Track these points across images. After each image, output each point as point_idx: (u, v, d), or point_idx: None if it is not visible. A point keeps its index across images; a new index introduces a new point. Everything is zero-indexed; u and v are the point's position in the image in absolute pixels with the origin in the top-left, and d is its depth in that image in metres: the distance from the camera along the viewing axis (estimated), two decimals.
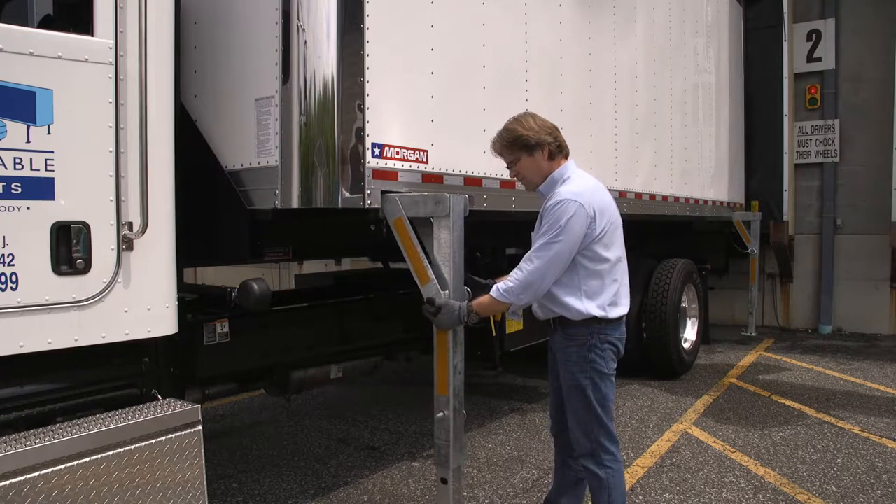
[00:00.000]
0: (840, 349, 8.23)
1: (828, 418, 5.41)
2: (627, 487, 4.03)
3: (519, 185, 4.16)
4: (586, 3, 5.21)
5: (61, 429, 2.38)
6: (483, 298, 3.01)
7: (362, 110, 3.21)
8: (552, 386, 3.20)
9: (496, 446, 4.85)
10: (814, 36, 9.43)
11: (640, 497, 3.95)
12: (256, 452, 4.82)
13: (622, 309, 2.96)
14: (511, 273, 2.89)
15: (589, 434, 2.92)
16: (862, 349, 8.24)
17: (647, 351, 6.61)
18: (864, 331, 9.17)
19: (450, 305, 3.07)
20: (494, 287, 2.93)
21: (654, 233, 7.69)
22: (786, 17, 9.05)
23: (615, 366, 2.97)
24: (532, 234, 2.96)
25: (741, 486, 4.08)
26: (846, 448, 4.72)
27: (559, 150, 2.96)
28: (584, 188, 2.87)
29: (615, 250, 2.93)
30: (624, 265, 3.00)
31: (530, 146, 2.92)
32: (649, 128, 6.37)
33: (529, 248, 2.91)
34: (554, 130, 2.97)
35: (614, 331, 2.94)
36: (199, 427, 2.63)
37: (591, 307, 2.86)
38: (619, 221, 2.99)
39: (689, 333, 7.26)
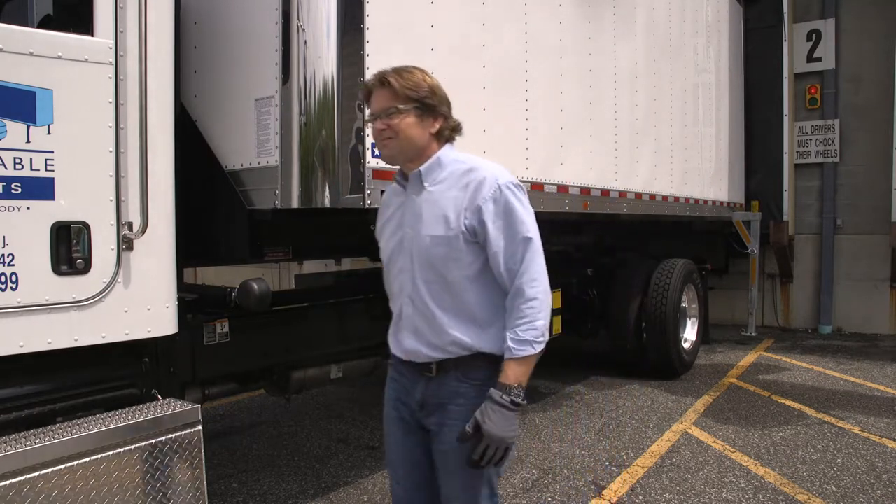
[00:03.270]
0: (840, 349, 8.23)
1: (828, 418, 5.41)
2: (628, 487, 4.04)
3: None
4: (586, 2, 5.21)
5: (61, 429, 2.38)
6: (513, 366, 2.03)
7: (362, 110, 3.20)
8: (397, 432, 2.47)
9: None
10: (814, 36, 9.43)
11: (640, 497, 3.95)
12: (256, 452, 4.82)
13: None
14: (519, 312, 2.04)
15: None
16: (862, 349, 8.24)
17: (647, 351, 6.61)
18: (864, 331, 9.17)
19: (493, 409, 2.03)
20: (526, 343, 2.01)
21: (654, 233, 7.70)
22: (786, 17, 9.06)
23: None
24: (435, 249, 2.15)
25: (741, 486, 4.08)
26: (846, 448, 4.72)
27: (445, 140, 2.21)
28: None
29: None
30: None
31: (427, 107, 2.17)
32: (649, 128, 6.37)
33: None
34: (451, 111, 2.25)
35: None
36: (199, 427, 2.63)
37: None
38: None
39: (689, 333, 7.25)
